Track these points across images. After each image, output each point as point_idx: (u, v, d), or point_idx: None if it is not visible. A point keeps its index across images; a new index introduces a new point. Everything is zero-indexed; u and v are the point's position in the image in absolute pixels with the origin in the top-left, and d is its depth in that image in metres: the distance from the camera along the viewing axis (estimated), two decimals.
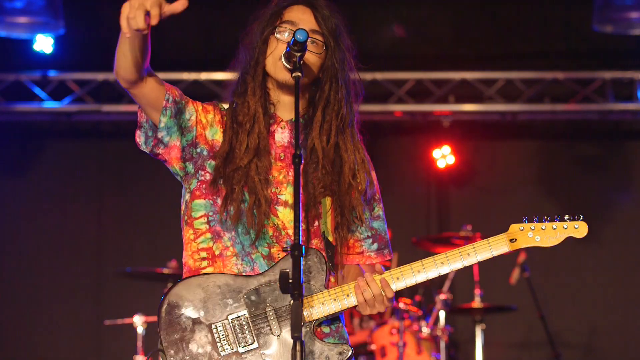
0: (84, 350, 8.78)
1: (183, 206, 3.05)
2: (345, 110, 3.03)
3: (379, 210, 3.12)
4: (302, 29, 2.82)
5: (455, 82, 8.50)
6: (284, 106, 3.04)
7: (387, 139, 8.63)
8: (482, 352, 7.19)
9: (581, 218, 2.95)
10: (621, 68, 8.41)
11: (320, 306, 2.85)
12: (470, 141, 8.88)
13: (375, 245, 3.10)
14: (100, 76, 8.36)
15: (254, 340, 2.83)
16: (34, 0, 7.12)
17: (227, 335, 2.84)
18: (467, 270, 7.55)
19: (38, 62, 8.36)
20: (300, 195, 2.68)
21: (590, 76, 8.45)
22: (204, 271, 2.94)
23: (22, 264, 8.89)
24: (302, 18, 2.99)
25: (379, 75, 8.32)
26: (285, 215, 2.94)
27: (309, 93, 3.04)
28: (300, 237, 2.60)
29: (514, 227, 2.95)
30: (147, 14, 2.72)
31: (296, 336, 2.47)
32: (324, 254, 2.93)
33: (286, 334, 2.82)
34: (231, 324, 2.85)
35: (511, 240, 2.94)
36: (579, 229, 2.95)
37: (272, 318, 2.84)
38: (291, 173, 2.96)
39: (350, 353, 2.85)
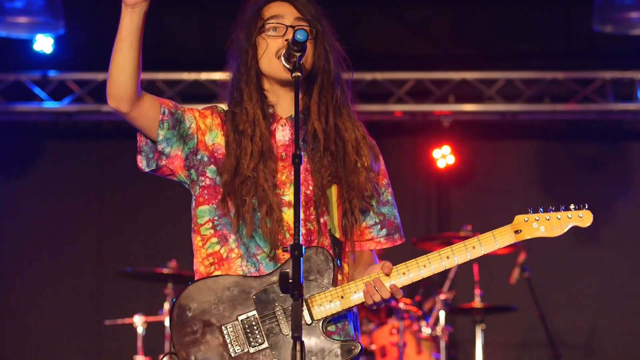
0: (84, 350, 8.78)
1: (192, 214, 3.05)
2: (339, 90, 3.03)
3: (387, 195, 3.10)
4: (302, 29, 2.82)
5: (455, 82, 8.50)
6: (283, 103, 3.03)
7: (387, 139, 8.62)
8: (482, 352, 7.19)
9: (586, 207, 2.92)
10: (621, 68, 8.41)
11: (328, 304, 2.85)
12: (470, 141, 8.88)
13: (384, 231, 3.08)
14: (100, 76, 8.36)
15: (264, 340, 2.84)
16: (34, 0, 7.12)
17: (238, 336, 2.85)
18: (467, 270, 7.59)
19: (38, 62, 8.36)
20: (300, 195, 2.68)
21: (590, 76, 8.45)
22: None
23: (22, 263, 8.89)
24: (284, 10, 3.00)
25: (379, 75, 8.32)
26: (290, 216, 2.93)
27: (305, 86, 3.04)
28: (300, 237, 2.60)
29: (519, 219, 2.93)
30: None
31: (296, 336, 2.47)
32: (331, 251, 2.92)
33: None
34: (241, 325, 2.86)
35: (516, 232, 2.92)
36: (584, 217, 2.92)
37: (281, 318, 2.85)
38: (292, 172, 2.96)
39: (359, 349, 2.85)
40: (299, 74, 2.81)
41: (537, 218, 2.91)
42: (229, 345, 2.85)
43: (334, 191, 2.97)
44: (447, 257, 2.90)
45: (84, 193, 9.00)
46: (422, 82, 8.52)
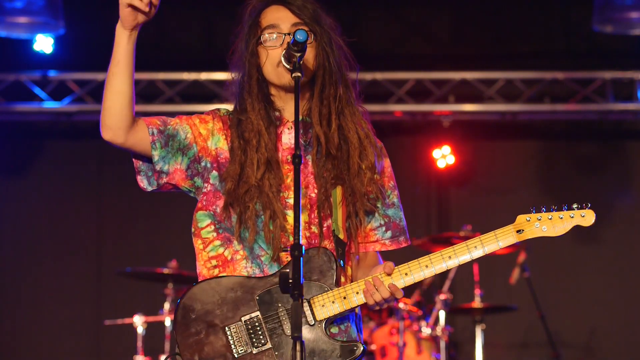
0: (84, 350, 8.78)
1: (192, 218, 3.06)
2: (342, 90, 3.02)
3: (393, 198, 3.10)
4: (301, 29, 2.81)
5: (455, 82, 8.50)
6: (290, 107, 3.02)
7: (387, 139, 8.57)
8: (482, 352, 7.19)
9: (589, 206, 2.90)
10: (621, 68, 8.41)
11: (330, 305, 2.85)
12: (470, 141, 8.88)
13: (389, 233, 3.08)
14: (100, 76, 8.35)
15: (268, 341, 2.85)
16: (34, 0, 7.12)
17: (241, 337, 2.86)
18: (467, 270, 7.59)
19: (38, 62, 8.36)
20: (300, 195, 2.69)
21: (590, 76, 8.44)
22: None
23: (22, 263, 8.89)
24: (279, 17, 2.98)
25: (379, 75, 8.32)
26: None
27: (309, 90, 3.03)
28: (300, 237, 2.60)
29: (521, 218, 2.92)
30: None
31: (296, 336, 2.47)
32: (334, 252, 2.92)
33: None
34: (245, 326, 2.86)
35: (518, 232, 2.91)
36: (586, 217, 2.89)
37: (284, 318, 2.85)
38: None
39: (361, 349, 2.85)
40: (299, 74, 2.81)
41: (540, 218, 2.90)
42: (233, 346, 2.85)
43: (338, 192, 2.97)
44: (450, 257, 2.90)
45: (84, 193, 9.00)
46: (422, 82, 8.52)
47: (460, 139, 8.77)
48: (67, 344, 8.75)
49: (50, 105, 8.45)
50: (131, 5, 2.83)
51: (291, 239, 2.92)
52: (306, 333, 2.83)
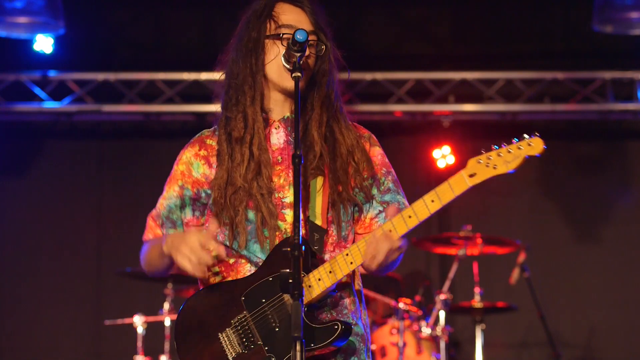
0: (84, 350, 8.77)
1: None
2: (334, 96, 3.00)
3: (388, 183, 3.06)
4: (301, 29, 2.81)
5: (455, 82, 8.50)
6: (278, 107, 3.01)
7: (387, 139, 8.56)
8: (482, 352, 7.19)
9: (537, 135, 2.80)
10: (621, 68, 8.41)
11: (306, 289, 2.79)
12: (470, 141, 8.87)
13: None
14: (100, 76, 8.35)
15: (258, 338, 2.84)
16: (34, 0, 7.12)
17: (233, 340, 2.86)
18: (467, 270, 7.59)
19: (38, 62, 8.35)
20: (301, 195, 2.68)
21: (590, 76, 8.44)
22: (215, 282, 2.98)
23: (21, 264, 8.89)
24: (298, 20, 2.94)
25: (379, 75, 8.31)
26: (289, 217, 2.92)
27: (306, 91, 2.99)
28: (301, 237, 2.60)
29: (472, 162, 2.86)
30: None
31: (296, 336, 2.47)
32: (308, 238, 2.88)
33: (285, 325, 2.81)
34: (235, 328, 2.86)
35: (470, 176, 2.85)
36: (534, 145, 2.81)
37: (269, 312, 2.84)
38: (291, 174, 2.93)
39: (341, 329, 2.77)
40: (299, 74, 2.81)
41: (490, 157, 2.83)
42: (227, 352, 2.86)
43: (318, 181, 2.93)
44: (409, 217, 2.81)
45: (84, 193, 8.99)
46: (422, 82, 8.52)
47: (460, 139, 8.77)
48: (67, 344, 8.74)
49: (50, 105, 8.44)
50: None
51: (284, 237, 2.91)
52: (287, 323, 2.80)
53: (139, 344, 6.85)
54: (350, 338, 2.88)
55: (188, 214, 3.04)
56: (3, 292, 8.90)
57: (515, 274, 7.44)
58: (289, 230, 2.90)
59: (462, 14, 8.80)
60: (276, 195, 2.93)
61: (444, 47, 8.86)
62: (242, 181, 2.90)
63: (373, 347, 7.09)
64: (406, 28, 8.81)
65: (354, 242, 2.99)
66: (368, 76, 8.20)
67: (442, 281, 7.62)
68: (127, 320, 7.02)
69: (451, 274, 7.38)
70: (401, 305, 6.85)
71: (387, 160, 3.10)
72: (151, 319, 6.94)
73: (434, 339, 7.00)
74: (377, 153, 3.07)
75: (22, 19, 7.28)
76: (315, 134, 2.95)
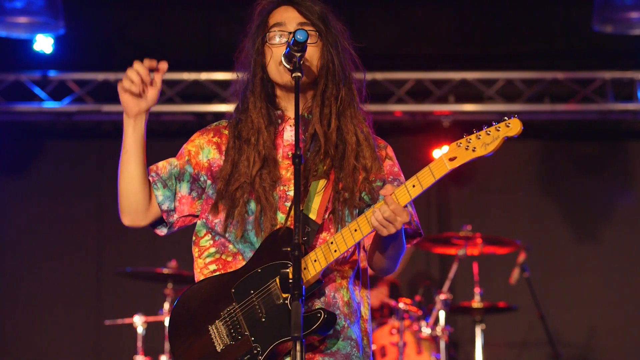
0: (84, 350, 8.78)
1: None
2: (345, 91, 3.04)
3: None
4: (301, 29, 2.83)
5: (455, 82, 8.50)
6: (293, 106, 3.01)
7: (387, 139, 8.60)
8: (482, 352, 7.19)
9: (515, 117, 2.79)
10: (621, 68, 8.41)
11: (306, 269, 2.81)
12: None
13: None
14: (100, 76, 8.35)
15: (246, 329, 2.86)
16: (34, 0, 7.12)
17: (222, 332, 2.89)
18: (467, 270, 7.59)
19: (38, 62, 8.35)
20: (300, 194, 2.69)
21: (590, 76, 8.44)
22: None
23: (21, 263, 8.89)
24: (286, 16, 3.00)
25: (379, 75, 8.32)
26: (304, 209, 2.94)
27: (313, 89, 3.04)
28: (301, 237, 2.60)
29: (453, 145, 2.85)
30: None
31: (296, 336, 2.47)
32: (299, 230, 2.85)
33: (271, 315, 2.83)
34: (224, 320, 2.89)
35: (450, 159, 2.84)
36: (512, 126, 2.78)
37: (257, 303, 2.86)
38: None
39: (322, 318, 2.77)
40: (299, 73, 2.83)
41: (470, 140, 2.83)
42: (215, 343, 2.89)
43: (320, 183, 2.95)
44: (392, 203, 2.77)
45: (84, 193, 9.00)
46: (422, 82, 8.52)
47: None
48: (67, 344, 8.75)
49: (50, 105, 8.45)
50: (129, 91, 2.87)
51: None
52: (273, 315, 2.83)
53: (139, 344, 6.85)
54: (342, 342, 2.91)
55: (184, 190, 3.05)
56: (3, 292, 8.91)
57: (515, 274, 7.44)
58: (289, 222, 2.91)
59: (462, 14, 8.80)
60: (281, 187, 2.96)
61: (444, 47, 8.86)
62: (246, 175, 2.95)
63: (373, 347, 7.09)
64: (406, 28, 8.82)
65: (354, 249, 3.00)
66: (368, 76, 8.12)
67: (442, 281, 7.62)
68: (127, 320, 7.03)
69: (451, 274, 7.38)
70: (401, 305, 6.85)
71: (396, 170, 3.09)
72: (151, 319, 6.94)
73: (434, 339, 7.01)
74: (386, 164, 3.09)
75: (22, 19, 7.28)
76: (317, 127, 2.98)
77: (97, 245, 8.91)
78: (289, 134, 3.03)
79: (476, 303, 7.19)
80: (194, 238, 3.05)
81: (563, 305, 8.64)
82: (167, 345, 7.01)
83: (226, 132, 3.08)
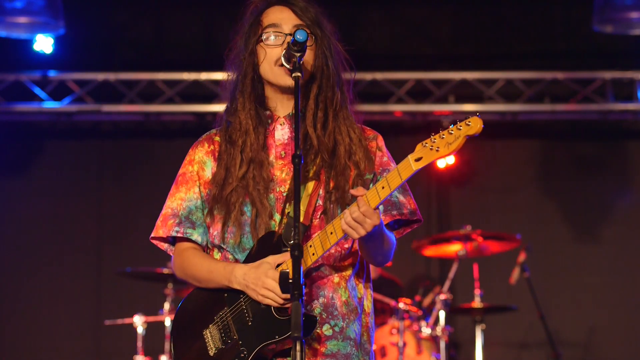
0: (84, 350, 8.77)
1: None
2: (338, 94, 3.01)
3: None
4: (301, 29, 2.82)
5: (455, 82, 8.50)
6: (281, 105, 3.04)
7: (387, 139, 8.59)
8: (482, 352, 7.19)
9: (477, 115, 2.82)
10: (621, 68, 8.41)
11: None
12: (470, 141, 8.86)
13: (381, 207, 2.97)
14: (100, 76, 8.35)
15: (234, 333, 2.88)
16: (34, 0, 7.12)
17: (215, 336, 2.91)
18: (467, 270, 7.59)
19: (38, 62, 8.35)
20: (300, 195, 2.68)
21: (590, 76, 8.44)
22: None
23: (21, 263, 8.89)
24: (281, 17, 2.98)
25: (379, 75, 8.32)
26: (291, 212, 2.93)
27: (305, 91, 3.02)
28: (301, 237, 2.60)
29: (419, 146, 2.87)
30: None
31: (296, 336, 2.47)
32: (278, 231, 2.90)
33: (257, 318, 2.85)
34: (216, 325, 2.92)
35: (417, 160, 2.86)
36: (472, 124, 2.82)
37: (245, 307, 2.88)
38: (292, 170, 2.95)
39: (311, 321, 2.79)
40: (299, 73, 2.82)
41: (434, 140, 2.85)
42: (208, 347, 2.91)
43: (309, 186, 2.93)
44: (360, 207, 2.76)
45: (84, 193, 8.99)
46: (422, 82, 8.52)
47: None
48: (67, 344, 8.74)
49: (50, 105, 8.45)
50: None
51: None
52: (259, 319, 2.84)
53: (139, 344, 6.85)
54: (342, 342, 2.92)
55: (208, 218, 3.03)
56: (3, 292, 8.90)
57: (515, 274, 7.44)
58: (276, 226, 2.91)
59: (462, 14, 8.80)
60: (277, 189, 2.96)
61: (444, 47, 8.86)
62: (238, 179, 2.95)
63: (373, 347, 7.09)
64: (406, 28, 8.82)
65: (352, 242, 2.99)
66: (368, 76, 8.20)
67: (442, 281, 7.62)
68: (127, 320, 7.02)
69: (451, 274, 7.38)
70: (401, 305, 6.85)
71: (385, 160, 3.08)
72: (151, 319, 6.94)
73: (434, 339, 7.01)
74: (379, 155, 3.07)
75: (22, 19, 7.28)
76: (310, 130, 2.96)
77: (97, 245, 8.91)
78: (280, 133, 3.02)
79: (476, 303, 7.19)
80: (207, 251, 3.06)
81: (563, 305, 8.64)
82: (167, 345, 7.01)
83: (217, 138, 3.07)
